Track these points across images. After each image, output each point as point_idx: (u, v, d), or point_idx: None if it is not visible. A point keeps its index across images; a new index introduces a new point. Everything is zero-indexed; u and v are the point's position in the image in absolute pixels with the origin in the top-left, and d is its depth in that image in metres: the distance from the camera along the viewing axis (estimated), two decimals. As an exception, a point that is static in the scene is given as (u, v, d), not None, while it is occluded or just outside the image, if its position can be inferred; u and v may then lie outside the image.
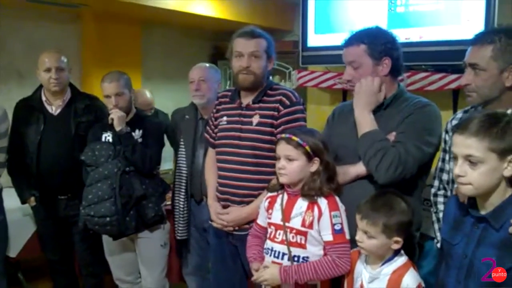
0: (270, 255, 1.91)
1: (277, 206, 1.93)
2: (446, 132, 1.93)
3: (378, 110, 1.96)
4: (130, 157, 2.58)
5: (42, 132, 2.73)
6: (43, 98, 2.80)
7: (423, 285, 1.70)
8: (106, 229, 2.55)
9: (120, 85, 2.65)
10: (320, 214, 1.82)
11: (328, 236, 1.82)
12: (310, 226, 1.83)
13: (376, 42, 1.92)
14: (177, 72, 5.33)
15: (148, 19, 5.09)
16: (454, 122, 1.90)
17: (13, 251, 3.11)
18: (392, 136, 1.87)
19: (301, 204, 1.87)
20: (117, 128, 2.58)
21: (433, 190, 2.02)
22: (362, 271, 1.77)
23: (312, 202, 1.84)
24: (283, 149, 1.87)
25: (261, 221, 2.04)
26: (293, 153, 1.85)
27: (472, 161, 1.39)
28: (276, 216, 1.92)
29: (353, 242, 1.81)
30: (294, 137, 1.85)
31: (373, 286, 1.72)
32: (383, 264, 1.72)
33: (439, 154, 1.99)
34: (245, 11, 5.14)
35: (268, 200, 1.99)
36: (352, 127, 1.97)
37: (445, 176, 1.95)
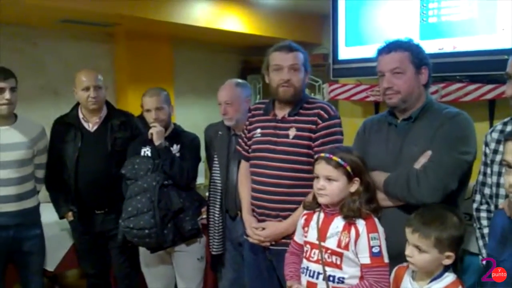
0: (306, 275, 1.88)
1: (313, 224, 1.89)
2: (486, 144, 1.89)
3: (407, 123, 1.94)
4: (168, 171, 2.62)
5: (79, 149, 2.78)
6: (80, 116, 2.86)
7: None
8: (145, 241, 2.58)
9: (160, 99, 2.71)
10: (358, 235, 1.77)
11: (366, 259, 1.77)
12: (346, 247, 1.78)
13: (417, 51, 1.92)
14: (207, 87, 5.40)
15: (178, 37, 5.18)
16: (494, 134, 1.86)
17: (51, 265, 3.17)
18: (427, 156, 1.83)
19: (337, 224, 1.82)
20: (156, 143, 2.63)
21: (475, 205, 1.96)
22: None
23: (350, 223, 1.80)
24: (322, 169, 1.83)
25: (298, 238, 2.01)
26: (333, 174, 1.81)
27: None
28: (312, 235, 1.88)
29: (394, 261, 1.78)
30: (334, 157, 1.80)
31: (421, 304, 1.67)
32: (431, 282, 1.67)
33: (478, 167, 1.95)
34: (273, 26, 5.18)
35: (304, 217, 1.96)
36: (387, 147, 1.95)
37: (487, 190, 1.90)
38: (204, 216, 2.91)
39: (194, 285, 2.78)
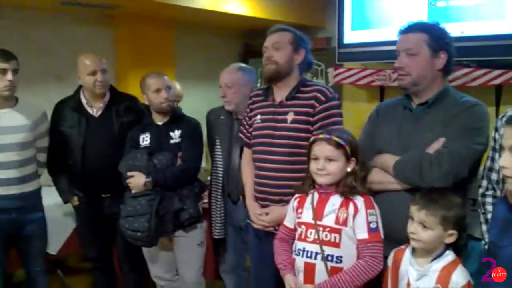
0: (302, 256, 1.88)
1: (308, 205, 1.91)
2: (496, 130, 1.88)
3: (422, 108, 1.92)
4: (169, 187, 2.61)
5: (85, 134, 2.75)
6: (83, 100, 2.81)
7: (472, 282, 1.66)
8: (137, 243, 2.62)
9: (167, 79, 2.72)
10: (356, 211, 1.80)
11: (363, 234, 1.80)
12: (344, 223, 1.81)
13: (437, 34, 1.89)
14: (208, 72, 5.35)
15: (180, 20, 5.12)
16: (505, 119, 1.84)
17: (53, 249, 3.16)
18: (441, 142, 1.82)
19: (334, 202, 1.85)
20: (141, 189, 2.58)
21: (481, 190, 1.97)
22: (409, 270, 1.74)
23: (347, 199, 1.83)
24: (323, 149, 1.84)
25: (289, 222, 2.01)
26: (334, 154, 1.83)
27: None
28: (307, 215, 1.89)
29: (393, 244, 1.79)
30: (335, 138, 1.83)
31: (421, 283, 1.70)
32: (432, 261, 1.70)
33: (487, 153, 1.93)
34: (275, 9, 5.12)
35: (297, 200, 1.97)
36: (399, 130, 1.94)
37: (494, 176, 1.90)
38: (206, 200, 2.90)
39: (194, 270, 2.77)
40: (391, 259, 1.83)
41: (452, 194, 1.71)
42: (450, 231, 1.67)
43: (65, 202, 2.88)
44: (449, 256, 1.69)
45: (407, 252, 1.78)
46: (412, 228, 1.71)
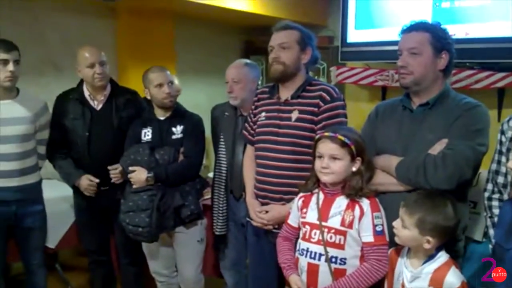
0: (306, 256, 1.87)
1: (313, 205, 1.90)
2: (502, 133, 1.87)
3: (423, 109, 1.91)
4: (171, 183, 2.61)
5: (89, 127, 2.74)
6: (86, 93, 2.80)
7: (466, 281, 1.65)
8: (138, 238, 2.62)
9: (169, 74, 2.70)
10: (362, 214, 1.79)
11: (369, 237, 1.79)
12: (350, 225, 1.80)
13: (440, 34, 1.89)
14: (209, 67, 5.34)
15: (181, 14, 5.10)
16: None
17: (52, 242, 3.15)
18: (443, 143, 1.81)
19: (340, 203, 1.84)
20: (142, 184, 2.58)
21: (487, 194, 1.96)
22: (403, 271, 1.74)
23: (353, 202, 1.81)
24: (328, 148, 1.83)
25: (293, 221, 2.01)
26: (338, 152, 1.81)
27: None
28: (312, 216, 1.88)
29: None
30: (340, 136, 1.81)
31: (414, 285, 1.69)
32: (424, 263, 1.69)
33: (490, 156, 1.93)
34: (278, 6, 5.10)
35: (302, 199, 1.96)
36: (400, 131, 1.94)
37: (500, 179, 1.89)
38: (208, 196, 2.90)
39: (193, 266, 2.78)
40: (388, 258, 1.83)
41: (449, 204, 1.68)
42: (427, 237, 1.65)
43: (73, 185, 2.80)
44: (442, 257, 1.68)
45: (402, 253, 1.78)
46: (395, 222, 1.72)
